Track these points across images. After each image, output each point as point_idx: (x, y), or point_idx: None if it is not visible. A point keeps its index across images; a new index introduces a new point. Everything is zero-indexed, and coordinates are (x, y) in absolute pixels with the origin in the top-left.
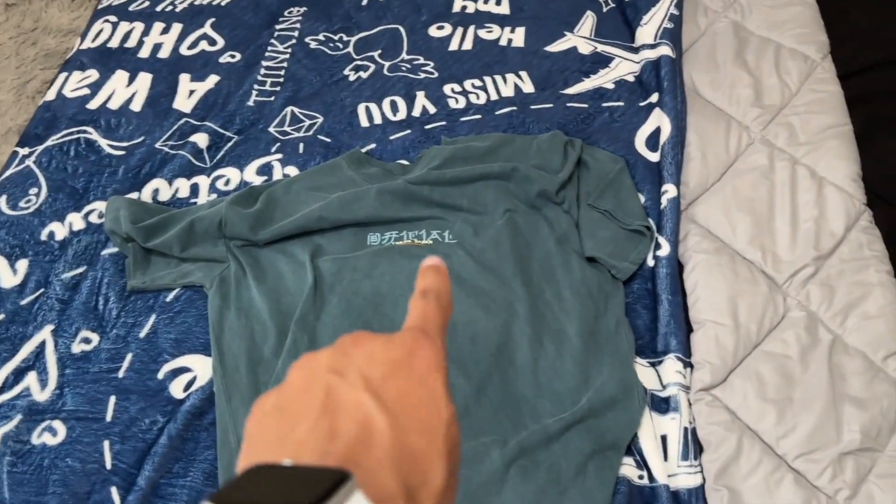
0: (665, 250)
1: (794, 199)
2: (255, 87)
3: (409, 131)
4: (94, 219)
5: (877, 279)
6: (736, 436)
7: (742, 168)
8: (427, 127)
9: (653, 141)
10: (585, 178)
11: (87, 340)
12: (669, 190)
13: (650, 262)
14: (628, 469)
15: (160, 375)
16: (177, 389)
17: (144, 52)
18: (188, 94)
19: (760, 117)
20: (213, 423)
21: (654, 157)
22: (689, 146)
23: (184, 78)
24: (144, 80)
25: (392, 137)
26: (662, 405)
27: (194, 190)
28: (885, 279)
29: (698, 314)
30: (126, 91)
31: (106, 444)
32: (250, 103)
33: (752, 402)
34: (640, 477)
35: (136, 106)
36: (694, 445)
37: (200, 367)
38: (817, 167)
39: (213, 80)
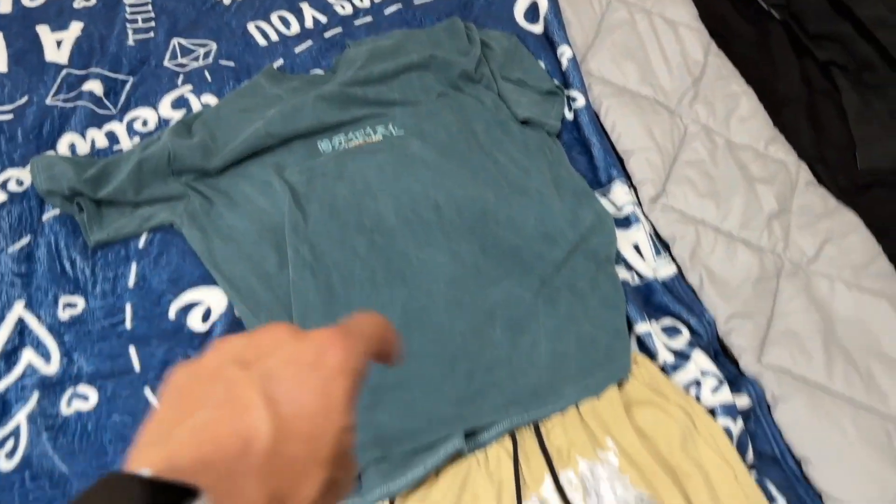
0: (581, 102)
1: (660, 41)
2: (128, 25)
3: (310, 42)
4: (13, 187)
5: (740, 90)
6: (691, 227)
7: (611, 24)
8: (326, 35)
9: (530, 14)
10: (490, 55)
11: (71, 305)
12: (566, 51)
13: (569, 116)
14: (623, 274)
15: (171, 315)
16: (196, 323)
17: None
18: (56, 45)
19: None
20: None
21: (536, 28)
22: (563, 13)
23: (43, 30)
24: None
25: (297, 50)
26: (624, 222)
27: (112, 138)
28: (745, 89)
29: (625, 145)
30: None
31: (147, 390)
32: (130, 43)
33: (692, 200)
34: (633, 278)
35: (1, 67)
36: (661, 244)
37: (210, 298)
38: (666, 14)
39: (77, 26)
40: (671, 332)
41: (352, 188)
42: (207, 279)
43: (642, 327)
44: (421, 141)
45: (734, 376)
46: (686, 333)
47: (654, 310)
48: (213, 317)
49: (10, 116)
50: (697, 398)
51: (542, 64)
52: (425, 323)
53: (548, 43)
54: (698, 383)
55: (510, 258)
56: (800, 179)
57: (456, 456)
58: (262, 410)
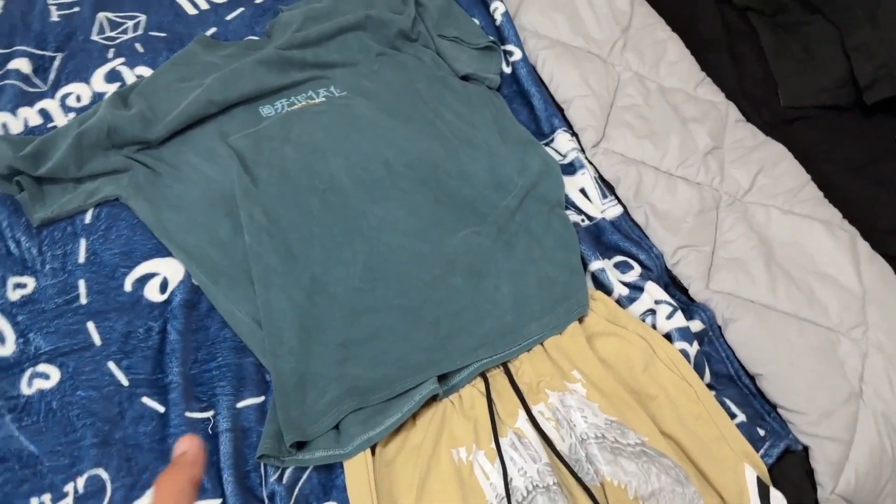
0: (517, 55)
1: None
2: (49, 3)
3: (241, 9)
4: None
5: (666, 36)
6: (633, 168)
7: None
8: (258, 1)
9: None
10: (425, 15)
11: (21, 286)
12: (499, 6)
13: (507, 70)
14: (573, 216)
15: (127, 288)
16: (153, 293)
17: None
18: None
19: None
20: (212, 309)
21: None
22: None
23: None
24: None
25: (228, 18)
26: (569, 168)
27: (45, 115)
28: (671, 35)
29: (563, 95)
30: None
31: (111, 364)
32: (55, 19)
33: (631, 142)
34: (583, 220)
35: None
36: (606, 187)
37: (165, 268)
38: None
39: None
40: (623, 267)
41: (299, 150)
42: (161, 250)
43: (596, 265)
44: (365, 100)
45: (685, 304)
46: (637, 268)
47: (606, 248)
48: (171, 286)
49: None
50: (654, 326)
51: (476, 21)
52: (389, 275)
53: (480, 0)
54: (653, 312)
55: (465, 208)
56: (729, 117)
57: (431, 400)
58: None
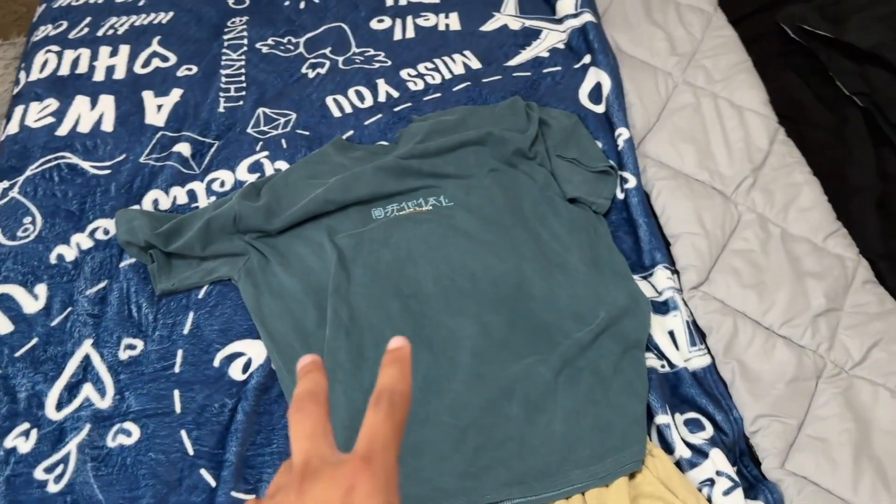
0: (632, 183)
1: (723, 126)
2: (221, 94)
3: (380, 115)
4: (100, 235)
5: (803, 179)
6: (730, 319)
7: (674, 107)
8: (396, 109)
9: (594, 95)
10: (548, 134)
11: (131, 347)
12: (623, 133)
13: (620, 196)
14: (652, 361)
15: (216, 363)
16: (236, 372)
17: (99, 76)
18: (157, 108)
19: (678, 64)
20: (281, 395)
21: (598, 108)
22: (627, 95)
23: (147, 95)
24: (107, 101)
25: (366, 123)
26: (662, 308)
27: (192, 196)
28: (809, 178)
29: (672, 230)
30: (92, 114)
31: (183, 433)
32: (221, 110)
33: (735, 290)
34: (663, 366)
35: (108, 126)
36: (697, 333)
37: (253, 350)
38: (734, 98)
39: (177, 93)
40: (694, 426)
41: (395, 254)
42: (254, 332)
43: (663, 418)
44: (467, 213)
45: (755, 479)
46: (709, 429)
47: (680, 401)
48: (252, 367)
49: (107, 171)
50: (709, 499)
51: (599, 144)
52: (444, 391)
53: (608, 123)
54: (712, 482)
55: (538, 334)
56: (857, 277)
57: None
58: None
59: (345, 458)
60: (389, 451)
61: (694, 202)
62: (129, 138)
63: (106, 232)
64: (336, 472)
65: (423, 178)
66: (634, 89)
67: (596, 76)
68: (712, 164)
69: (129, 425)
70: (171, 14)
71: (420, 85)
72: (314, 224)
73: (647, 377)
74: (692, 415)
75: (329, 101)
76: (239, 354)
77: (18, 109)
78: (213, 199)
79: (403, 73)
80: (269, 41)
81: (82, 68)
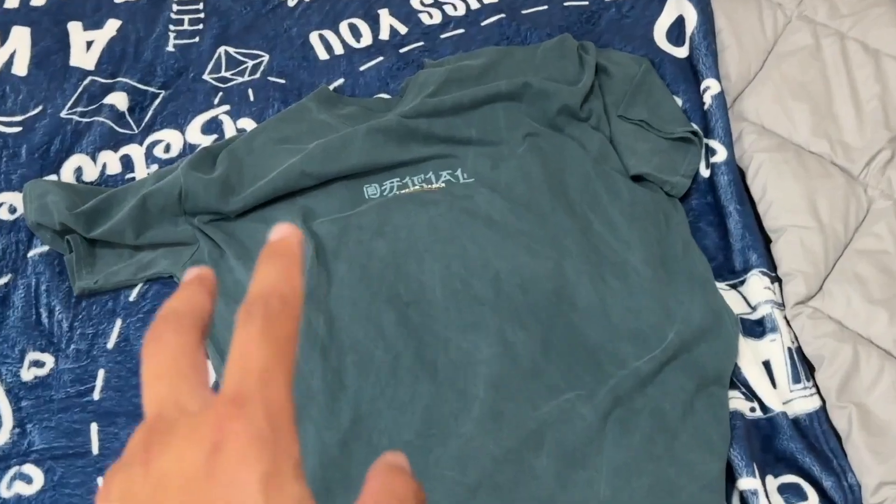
0: (721, 155)
1: (851, 77)
2: (171, 28)
3: (381, 58)
4: (3, 214)
5: None
6: (849, 346)
7: (785, 51)
8: (402, 50)
9: (675, 33)
10: (608, 86)
11: (38, 364)
12: (711, 86)
13: (704, 173)
14: (738, 402)
15: None
16: None
17: (12, 2)
18: (86, 46)
19: None
20: None
21: (680, 52)
22: (719, 33)
23: (74, 27)
24: (21, 35)
25: (362, 68)
26: (757, 328)
27: (127, 163)
28: None
29: (774, 221)
30: (2, 52)
31: (100, 481)
32: (170, 48)
33: (858, 307)
34: (753, 409)
35: (21, 69)
36: (803, 365)
37: None
38: (868, 39)
39: (112, 25)
40: (792, 493)
41: (393, 247)
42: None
43: (748, 482)
44: (491, 193)
45: None
46: (814, 498)
47: (774, 459)
48: None
49: (16, 129)
50: None
51: (678, 100)
52: (449, 435)
53: (692, 72)
54: None
55: (581, 359)
56: None
57: None
58: None
59: (211, 401)
60: (273, 386)
61: (806, 183)
62: (47, 85)
63: (12, 210)
64: (196, 425)
65: (435, 144)
66: (729, 26)
67: (677, 7)
68: (834, 130)
69: (29, 469)
70: None
71: (436, 17)
72: (286, 205)
73: (730, 424)
74: (790, 478)
75: (313, 38)
76: None
77: None
78: (154, 168)
79: (415, 1)
80: None
81: None
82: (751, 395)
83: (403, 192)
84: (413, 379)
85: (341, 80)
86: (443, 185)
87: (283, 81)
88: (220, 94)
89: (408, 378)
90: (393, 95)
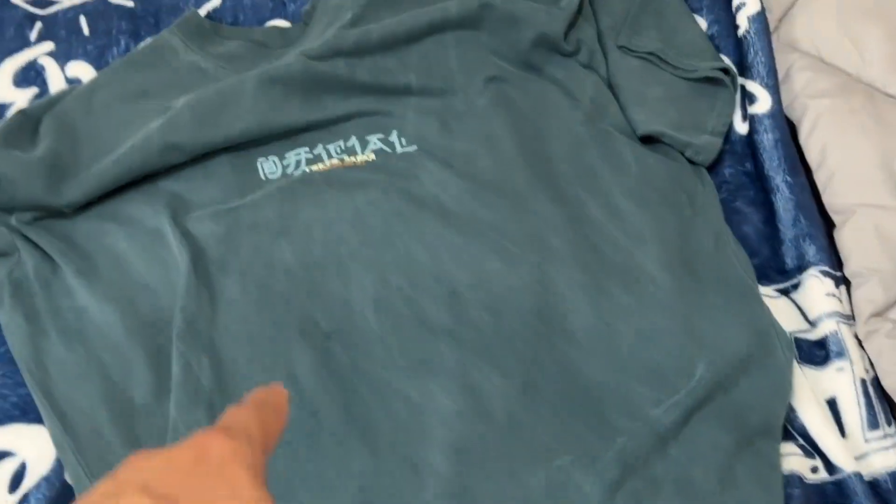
0: (763, 103)
1: None
2: None
3: None
4: None
5: None
6: None
7: None
8: None
9: None
10: (603, 5)
11: None
12: (748, 1)
13: (741, 129)
14: (794, 461)
15: None
16: None
17: None
18: None
19: None
20: None
21: None
22: None
23: None
24: None
25: None
26: (817, 353)
27: None
28: None
29: (839, 198)
30: None
31: None
32: None
33: None
34: (815, 469)
35: None
36: (883, 404)
37: (29, 445)
38: None
39: None
40: None
41: (303, 253)
42: (30, 411)
43: None
44: (443, 168)
45: None
46: None
47: None
48: (28, 481)
49: None
50: None
51: (702, 23)
52: None
53: None
54: None
55: (578, 411)
56: None
57: None
58: None
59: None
60: (253, 438)
61: (882, 140)
62: None
63: None
64: (179, 445)
65: (358, 94)
66: None
67: None
68: None
69: None
70: None
71: None
72: (144, 192)
73: (784, 493)
74: None
75: None
76: (4, 454)
77: None
78: None
79: None
80: None
81: None
82: (812, 449)
83: (316, 168)
84: (341, 448)
85: (217, 2)
86: (372, 156)
87: (130, 4)
88: (39, 25)
89: (334, 446)
90: (294, 23)
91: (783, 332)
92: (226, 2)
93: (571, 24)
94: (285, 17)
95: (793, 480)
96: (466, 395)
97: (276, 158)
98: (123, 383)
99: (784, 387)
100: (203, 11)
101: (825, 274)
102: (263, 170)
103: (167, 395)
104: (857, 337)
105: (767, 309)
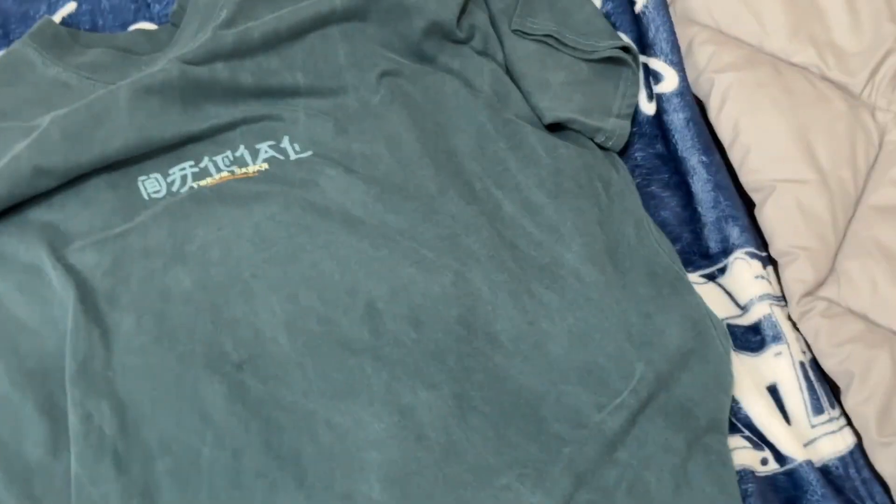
0: (669, 81)
1: None
2: None
3: None
4: None
5: None
6: (885, 352)
7: None
8: None
9: None
10: None
11: None
12: None
13: (648, 109)
14: (744, 455)
15: None
16: None
17: None
18: None
19: None
20: None
21: None
22: None
23: None
24: None
25: None
26: (752, 338)
27: None
28: None
29: (755, 174)
30: None
31: None
32: None
33: (887, 291)
34: (764, 461)
35: None
36: (824, 386)
37: None
38: None
39: None
40: None
41: (202, 278)
42: None
43: None
44: (344, 173)
45: None
46: None
47: None
48: None
49: None
50: None
51: (596, 1)
52: None
53: None
54: None
55: (517, 423)
56: None
57: None
58: None
59: None
60: None
61: (793, 114)
62: None
63: None
64: None
65: (243, 100)
66: None
67: None
68: (821, 30)
69: None
70: None
71: None
72: (15, 225)
73: (739, 488)
74: None
75: None
76: None
77: None
78: None
79: None
80: None
81: None
82: (759, 440)
83: (204, 183)
84: (268, 486)
85: (72, 5)
86: (264, 165)
87: None
88: None
89: (260, 485)
90: (162, 24)
91: (718, 320)
92: (82, 5)
93: (463, 10)
94: (150, 20)
95: (745, 476)
96: (397, 417)
97: (158, 176)
98: (14, 441)
99: (726, 378)
100: (57, 18)
101: (752, 255)
102: (146, 189)
103: (66, 450)
104: (790, 319)
105: (699, 297)
